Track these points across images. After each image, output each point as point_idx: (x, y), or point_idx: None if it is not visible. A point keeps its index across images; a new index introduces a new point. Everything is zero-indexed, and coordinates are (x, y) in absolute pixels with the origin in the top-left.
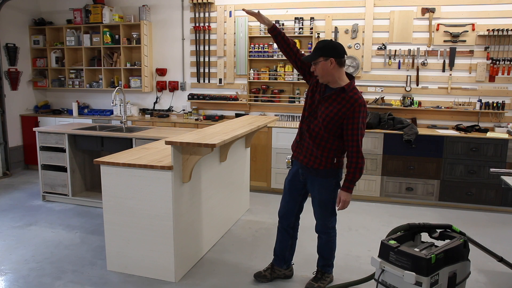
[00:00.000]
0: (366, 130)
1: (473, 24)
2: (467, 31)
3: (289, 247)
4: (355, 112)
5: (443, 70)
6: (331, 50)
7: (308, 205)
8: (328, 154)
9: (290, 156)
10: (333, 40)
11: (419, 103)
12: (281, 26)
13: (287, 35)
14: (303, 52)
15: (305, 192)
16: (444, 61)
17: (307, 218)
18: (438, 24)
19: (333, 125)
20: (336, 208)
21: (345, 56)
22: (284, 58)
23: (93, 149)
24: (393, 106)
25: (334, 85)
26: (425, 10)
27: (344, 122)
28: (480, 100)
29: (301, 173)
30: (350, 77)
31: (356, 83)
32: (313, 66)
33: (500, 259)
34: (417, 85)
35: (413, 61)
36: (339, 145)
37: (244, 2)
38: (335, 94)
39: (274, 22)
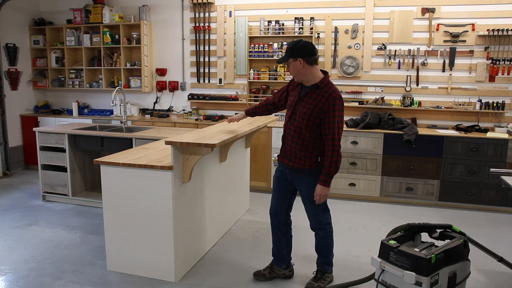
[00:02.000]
0: (366, 130)
1: (473, 24)
2: (467, 31)
3: (285, 245)
4: (330, 106)
5: (443, 70)
6: (299, 50)
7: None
8: (311, 154)
9: (277, 155)
10: (303, 40)
11: (419, 103)
12: (281, 26)
13: (287, 34)
14: None
15: (294, 189)
16: (444, 61)
17: (307, 218)
18: (438, 24)
19: (313, 122)
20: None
21: (316, 54)
22: None
23: (93, 149)
24: (393, 106)
25: (308, 83)
26: (425, 10)
27: (321, 117)
28: (480, 100)
29: (288, 173)
30: (324, 72)
31: (356, 83)
32: (287, 67)
33: (500, 259)
34: (417, 85)
35: (413, 61)
36: (321, 144)
37: (244, 2)
38: (310, 92)
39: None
